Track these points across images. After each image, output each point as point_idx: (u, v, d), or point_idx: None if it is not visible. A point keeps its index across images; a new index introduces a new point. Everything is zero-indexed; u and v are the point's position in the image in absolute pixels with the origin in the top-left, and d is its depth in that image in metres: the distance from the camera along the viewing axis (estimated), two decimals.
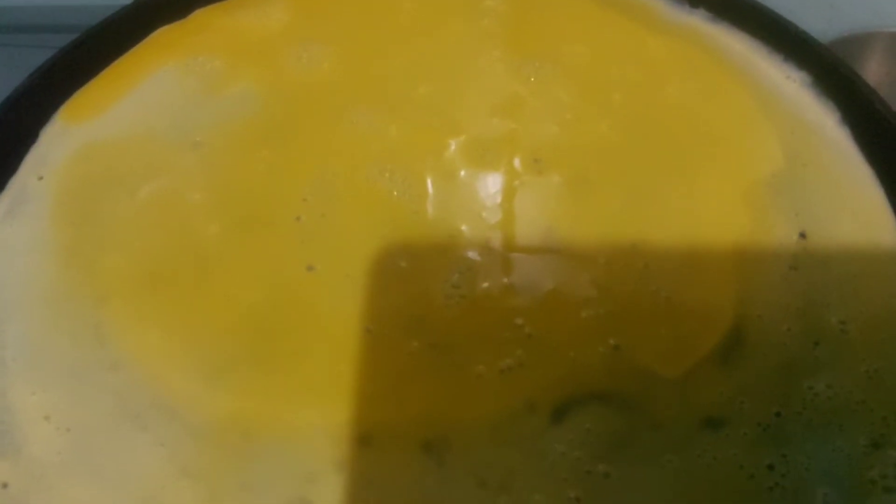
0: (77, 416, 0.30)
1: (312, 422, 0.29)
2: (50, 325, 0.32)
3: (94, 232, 0.34)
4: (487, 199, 0.35)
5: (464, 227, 0.34)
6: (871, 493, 0.28)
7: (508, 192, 0.35)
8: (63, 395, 0.30)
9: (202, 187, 0.35)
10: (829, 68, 0.38)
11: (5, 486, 0.29)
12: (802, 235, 0.34)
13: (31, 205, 0.35)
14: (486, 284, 0.33)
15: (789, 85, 0.39)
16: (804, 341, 0.31)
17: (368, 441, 0.29)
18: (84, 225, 0.34)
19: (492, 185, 0.35)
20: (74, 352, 0.31)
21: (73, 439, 0.30)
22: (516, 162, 0.36)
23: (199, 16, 0.41)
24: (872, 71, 0.49)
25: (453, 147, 0.36)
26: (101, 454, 0.29)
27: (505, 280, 0.33)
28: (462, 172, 0.36)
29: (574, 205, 0.34)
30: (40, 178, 0.36)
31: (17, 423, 0.30)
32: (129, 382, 0.30)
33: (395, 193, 0.35)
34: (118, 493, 0.28)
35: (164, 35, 0.41)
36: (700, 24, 0.41)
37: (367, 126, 0.37)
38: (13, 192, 0.36)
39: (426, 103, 0.37)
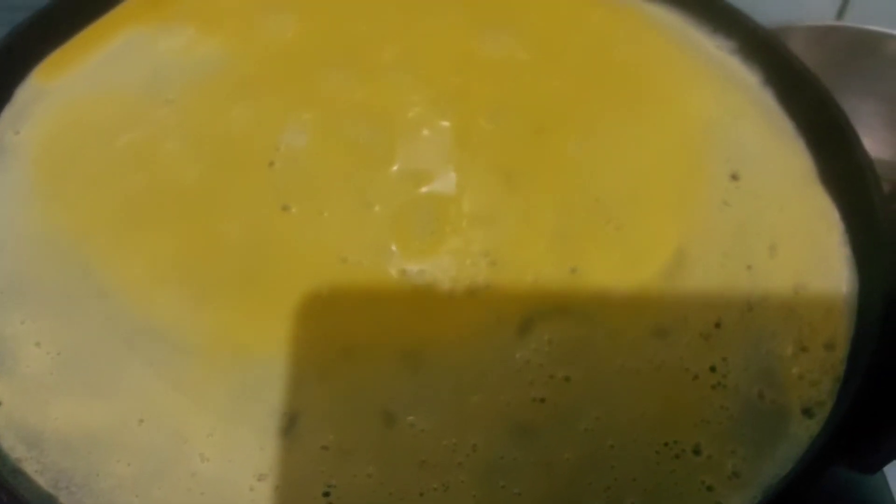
0: (67, 340, 0.31)
1: (297, 336, 0.31)
2: (35, 260, 0.33)
3: (73, 177, 0.36)
4: (450, 146, 0.37)
5: (428, 170, 0.36)
6: (797, 387, 0.32)
7: (470, 140, 0.37)
8: (52, 322, 0.31)
9: (177, 138, 0.37)
10: (752, 36, 0.43)
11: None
12: (734, 177, 0.38)
13: (8, 155, 0.37)
14: (451, 223, 0.35)
15: (718, 52, 0.43)
16: (738, 264, 0.35)
17: (349, 353, 0.31)
18: (63, 171, 0.36)
19: (454, 133, 0.38)
20: (61, 283, 0.32)
21: (64, 361, 0.31)
22: (477, 113, 0.38)
23: None
24: None
25: (418, 101, 0.39)
26: (93, 373, 0.31)
27: (468, 219, 0.35)
28: (426, 126, 0.38)
29: (531, 150, 0.37)
30: (17, 133, 0.38)
31: (9, 349, 0.31)
32: (116, 308, 0.32)
33: (362, 143, 0.37)
34: (111, 405, 0.30)
35: (138, 4, 0.42)
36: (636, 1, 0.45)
37: (335, 85, 0.39)
38: None
39: (392, 65, 0.40)
